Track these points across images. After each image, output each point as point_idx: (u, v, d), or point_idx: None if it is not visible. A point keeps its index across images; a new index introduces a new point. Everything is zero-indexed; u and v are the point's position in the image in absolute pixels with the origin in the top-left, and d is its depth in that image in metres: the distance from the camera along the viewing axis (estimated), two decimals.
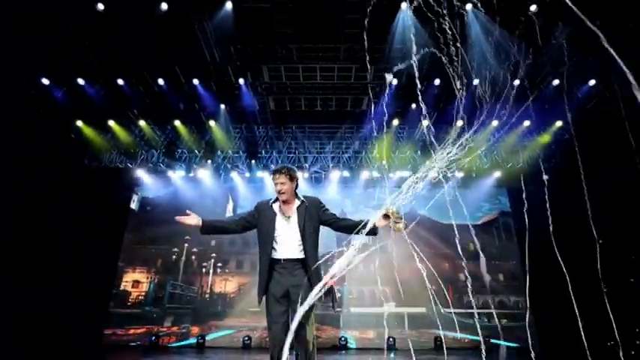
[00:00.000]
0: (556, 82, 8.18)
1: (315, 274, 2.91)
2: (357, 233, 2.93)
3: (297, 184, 3.13)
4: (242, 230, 3.15)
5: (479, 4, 6.28)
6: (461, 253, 3.47)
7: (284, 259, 2.99)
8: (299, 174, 3.24)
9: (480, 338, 9.19)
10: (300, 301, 2.90)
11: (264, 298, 3.00)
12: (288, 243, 3.00)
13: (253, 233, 3.16)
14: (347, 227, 3.02)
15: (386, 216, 2.82)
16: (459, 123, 2.66)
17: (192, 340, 9.56)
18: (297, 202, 3.09)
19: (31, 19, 6.46)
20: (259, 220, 3.08)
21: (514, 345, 8.97)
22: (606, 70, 7.24)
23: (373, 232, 2.86)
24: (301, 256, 2.98)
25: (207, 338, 9.52)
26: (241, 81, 8.70)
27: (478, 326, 8.68)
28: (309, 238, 2.99)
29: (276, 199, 3.13)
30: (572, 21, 6.64)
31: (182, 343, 9.61)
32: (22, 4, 6.26)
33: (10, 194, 7.17)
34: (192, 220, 3.01)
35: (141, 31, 7.05)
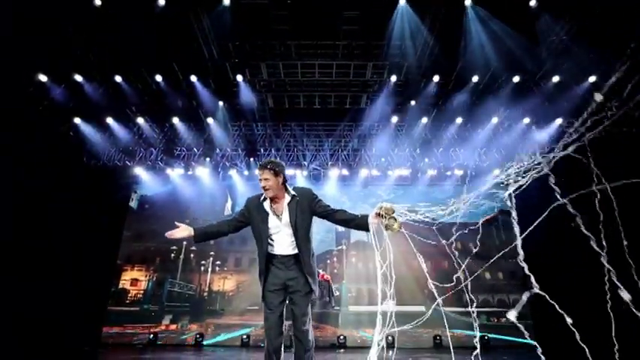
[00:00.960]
0: (556, 78, 8.14)
1: (308, 267, 2.97)
2: (350, 228, 3.02)
3: (284, 179, 3.02)
4: (235, 230, 3.15)
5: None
6: (460, 252, 3.44)
7: (280, 255, 3.01)
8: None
9: (479, 334, 9.17)
10: (297, 291, 2.93)
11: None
12: (281, 241, 3.01)
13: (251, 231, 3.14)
14: (341, 221, 3.02)
15: (379, 214, 2.74)
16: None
17: (191, 339, 9.53)
18: (287, 198, 3.03)
19: (29, 17, 6.41)
20: (252, 218, 3.07)
21: (513, 340, 9.00)
22: (607, 66, 7.19)
23: (363, 227, 2.88)
24: (295, 252, 3.00)
25: (206, 342, 9.49)
26: (239, 78, 8.67)
27: (477, 324, 8.62)
28: (302, 234, 2.99)
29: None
30: (573, 16, 6.60)
31: (180, 340, 9.60)
32: (20, 2, 6.21)
33: (10, 194, 7.14)
34: (184, 232, 3.03)
35: (139, 28, 7.01)
